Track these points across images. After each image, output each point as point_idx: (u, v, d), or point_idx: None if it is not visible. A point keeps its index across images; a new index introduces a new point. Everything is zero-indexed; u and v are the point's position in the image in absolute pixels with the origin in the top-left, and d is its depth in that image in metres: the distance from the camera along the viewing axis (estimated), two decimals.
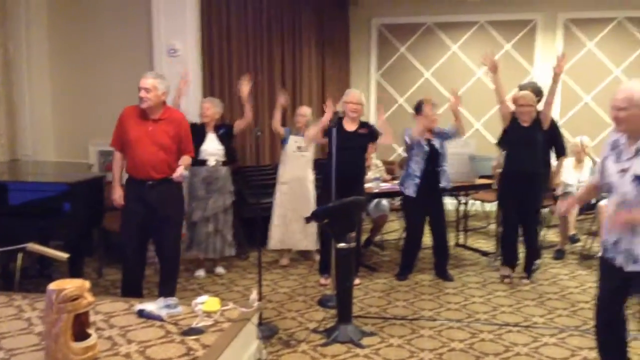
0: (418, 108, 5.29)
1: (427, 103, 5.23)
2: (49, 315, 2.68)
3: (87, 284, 2.78)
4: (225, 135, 5.46)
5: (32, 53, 6.23)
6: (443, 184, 5.30)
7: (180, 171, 4.16)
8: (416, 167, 5.24)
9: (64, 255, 3.49)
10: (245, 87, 5.43)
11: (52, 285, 2.71)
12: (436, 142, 5.22)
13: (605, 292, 3.08)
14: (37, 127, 6.33)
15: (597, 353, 3.22)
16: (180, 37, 5.95)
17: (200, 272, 5.45)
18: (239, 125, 5.59)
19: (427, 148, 5.18)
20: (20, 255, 4.64)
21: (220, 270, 5.52)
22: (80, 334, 2.76)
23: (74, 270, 4.41)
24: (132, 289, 4.33)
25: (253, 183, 6.35)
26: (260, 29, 6.88)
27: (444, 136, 5.29)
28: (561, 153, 5.80)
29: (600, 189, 3.12)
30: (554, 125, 5.51)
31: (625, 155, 2.82)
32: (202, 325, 3.27)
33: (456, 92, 5.25)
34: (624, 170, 2.81)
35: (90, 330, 2.83)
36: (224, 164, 5.44)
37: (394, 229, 7.13)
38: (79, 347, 2.71)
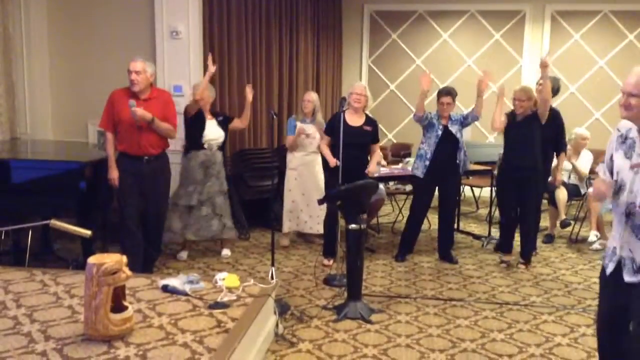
0: (439, 94, 5.41)
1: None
2: (89, 288, 2.78)
3: (124, 258, 2.89)
4: (224, 123, 5.48)
5: (30, 32, 6.19)
6: (461, 170, 5.46)
7: None
8: (428, 149, 5.37)
9: (87, 232, 3.55)
10: (249, 94, 5.51)
11: (92, 259, 2.80)
12: (453, 128, 5.35)
13: None
14: (35, 106, 6.32)
15: None
16: (183, 19, 6.00)
17: (182, 254, 5.46)
18: (235, 124, 5.62)
19: (439, 132, 5.32)
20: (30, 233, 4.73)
21: (226, 252, 5.59)
22: (117, 306, 2.87)
23: (86, 248, 4.47)
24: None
25: (253, 166, 6.44)
26: (259, 13, 6.95)
27: (462, 122, 5.39)
28: (561, 149, 5.81)
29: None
30: (560, 121, 5.58)
31: (638, 149, 2.50)
32: (227, 300, 3.40)
33: (488, 72, 5.42)
34: (637, 166, 2.48)
35: (126, 303, 2.94)
36: (219, 149, 5.46)
37: (388, 212, 7.30)
38: (118, 319, 2.82)
